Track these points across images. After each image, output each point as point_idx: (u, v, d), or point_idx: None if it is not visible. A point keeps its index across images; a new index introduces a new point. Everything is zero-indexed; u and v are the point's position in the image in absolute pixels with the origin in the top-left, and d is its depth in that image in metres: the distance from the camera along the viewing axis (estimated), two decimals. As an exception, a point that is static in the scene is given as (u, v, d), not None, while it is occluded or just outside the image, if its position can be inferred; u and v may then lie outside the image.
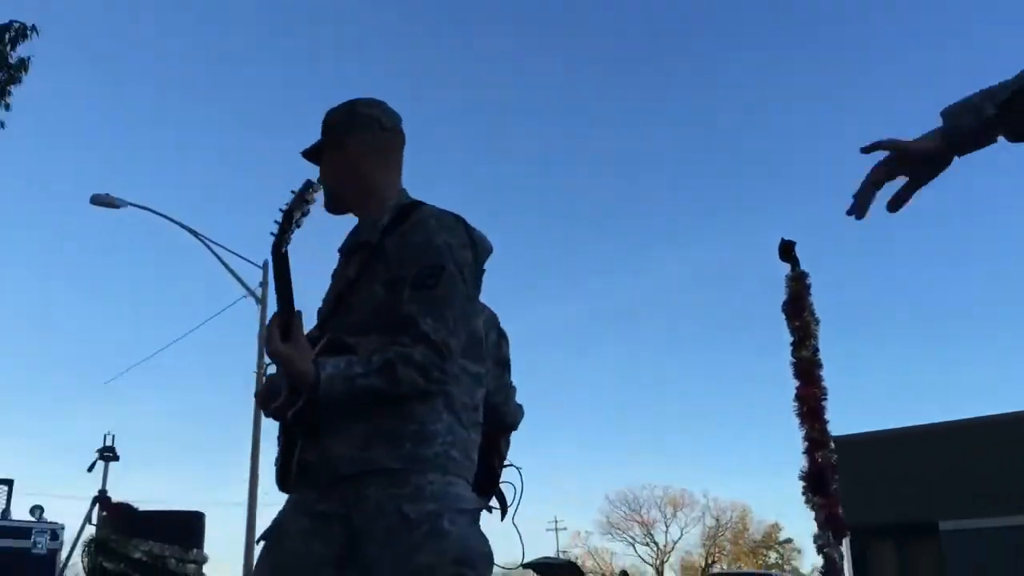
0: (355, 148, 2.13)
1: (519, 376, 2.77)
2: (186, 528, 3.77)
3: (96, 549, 3.81)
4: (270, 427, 2.02)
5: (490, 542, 1.87)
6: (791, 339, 3.46)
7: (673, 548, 47.52)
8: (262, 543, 1.96)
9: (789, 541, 46.94)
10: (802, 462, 3.46)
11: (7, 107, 7.58)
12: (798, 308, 3.39)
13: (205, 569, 3.77)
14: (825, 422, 3.45)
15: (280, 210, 1.91)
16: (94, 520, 4.03)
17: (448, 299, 1.88)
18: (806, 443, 3.44)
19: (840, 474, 13.28)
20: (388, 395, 1.80)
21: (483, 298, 2.08)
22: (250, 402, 16.91)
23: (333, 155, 2.15)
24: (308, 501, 1.90)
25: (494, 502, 2.71)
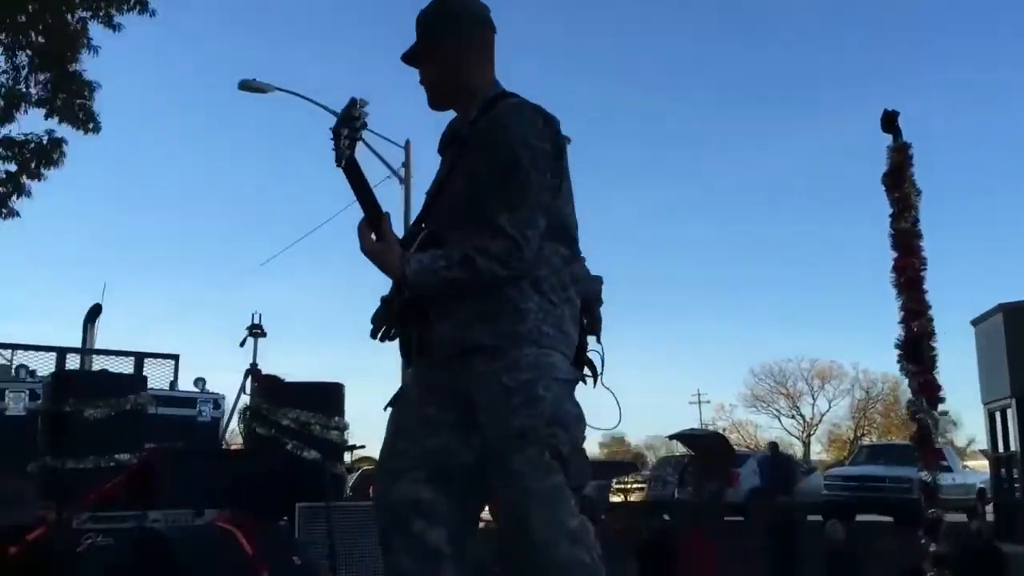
0: (447, 46, 2.20)
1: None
2: (328, 397, 4.02)
3: (250, 416, 4.15)
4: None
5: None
6: (890, 210, 3.29)
7: (820, 421, 46.74)
8: (389, 409, 2.18)
9: (945, 414, 45.30)
10: (898, 331, 3.34)
11: None
12: (898, 179, 3.19)
13: (348, 436, 4.05)
14: (923, 292, 3.28)
15: (329, 129, 2.04)
16: (247, 390, 4.37)
17: (522, 192, 1.99)
18: (902, 313, 3.29)
19: (1009, 339, 12.69)
20: (471, 284, 1.98)
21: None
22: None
23: (428, 55, 2.22)
24: (425, 374, 2.12)
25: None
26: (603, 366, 2.79)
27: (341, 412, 4.13)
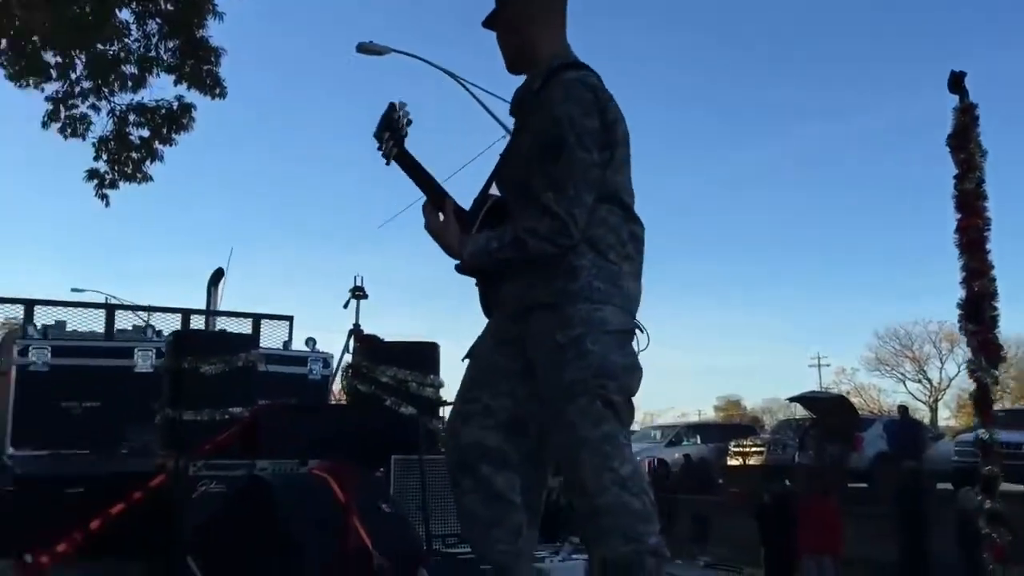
0: (515, 11, 2.36)
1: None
2: (424, 356, 4.23)
3: (351, 374, 4.41)
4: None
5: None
6: (955, 171, 3.20)
7: (948, 385, 44.60)
8: (467, 360, 2.44)
9: (1006, 372, 42.34)
10: (960, 291, 3.25)
11: None
12: (963, 140, 3.09)
13: (442, 393, 4.24)
14: (986, 252, 3.18)
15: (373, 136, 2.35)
16: (350, 350, 4.63)
17: (568, 171, 2.13)
18: (964, 273, 3.20)
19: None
20: (523, 262, 2.18)
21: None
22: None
23: (499, 21, 2.39)
24: (497, 328, 2.36)
25: None
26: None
27: (436, 370, 4.33)
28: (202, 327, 6.73)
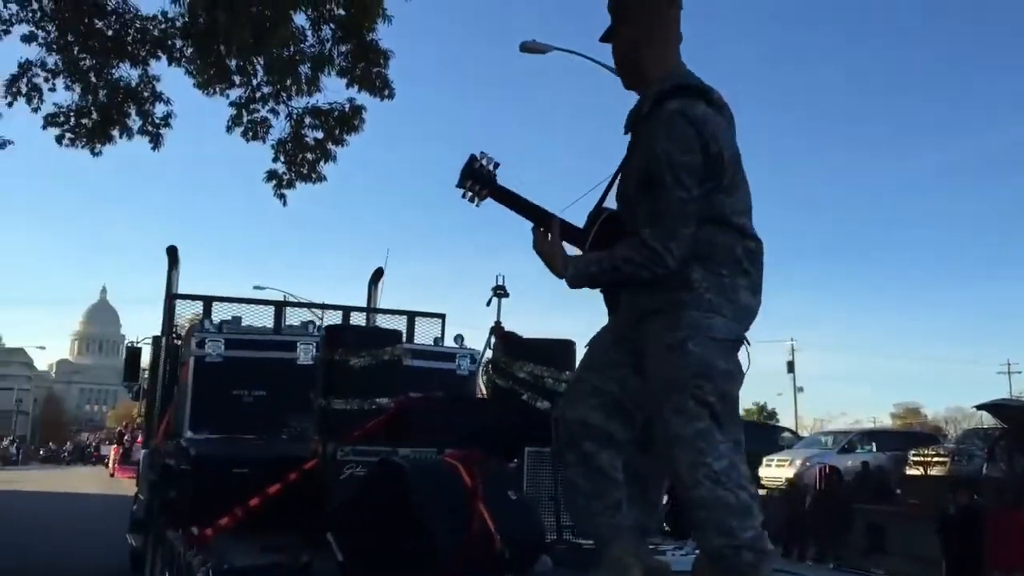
0: (627, 30, 2.54)
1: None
2: (560, 354, 4.39)
3: (491, 369, 4.62)
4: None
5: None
6: None
7: None
8: (585, 348, 2.70)
9: None
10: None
11: None
12: None
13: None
14: None
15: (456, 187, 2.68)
16: (491, 346, 4.85)
17: (666, 207, 2.30)
18: None
19: None
20: (621, 282, 2.44)
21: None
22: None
23: (614, 39, 2.56)
24: (615, 327, 2.61)
25: None
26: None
27: (572, 367, 4.46)
28: (363, 323, 7.19)
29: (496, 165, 2.64)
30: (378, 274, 7.89)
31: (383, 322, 7.14)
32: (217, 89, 9.13)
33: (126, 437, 29.13)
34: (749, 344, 2.40)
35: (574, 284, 2.46)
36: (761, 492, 17.59)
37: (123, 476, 24.07)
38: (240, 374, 5.56)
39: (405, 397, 4.33)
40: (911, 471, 16.65)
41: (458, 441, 3.76)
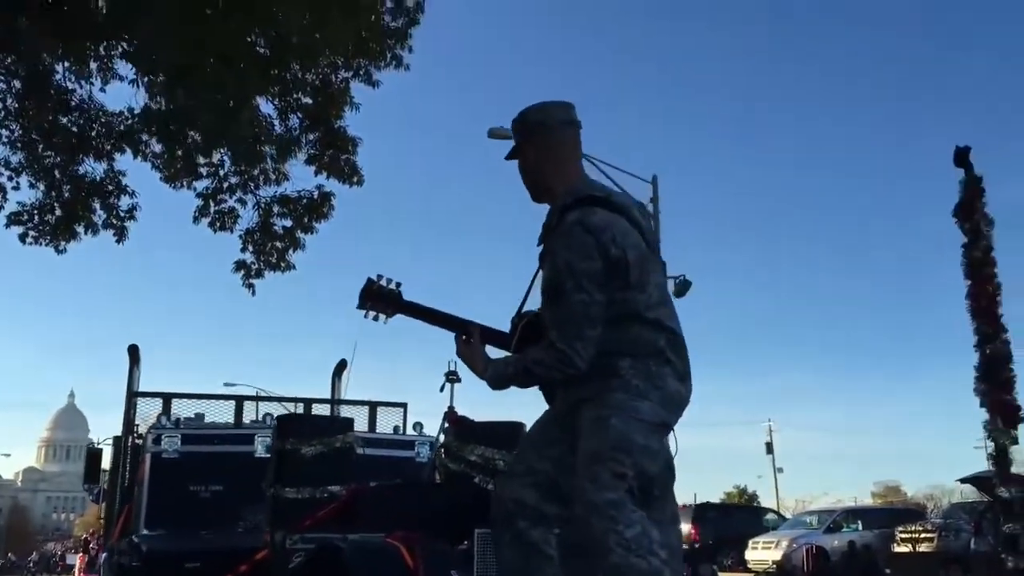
0: (530, 153, 2.79)
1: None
2: (510, 435, 4.52)
3: (444, 454, 4.76)
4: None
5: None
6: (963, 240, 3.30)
7: None
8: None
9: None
10: (975, 356, 3.30)
11: (410, 49, 8.54)
12: (969, 211, 3.21)
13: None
14: (998, 316, 3.23)
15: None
16: (444, 431, 4.99)
17: (568, 313, 2.51)
18: (976, 337, 3.26)
19: None
20: (534, 383, 2.69)
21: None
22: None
23: (518, 158, 2.81)
24: (557, 408, 2.77)
25: None
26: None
27: (520, 447, 4.63)
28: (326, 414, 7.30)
29: (398, 284, 2.85)
30: (341, 366, 8.03)
31: (346, 413, 7.24)
32: (184, 183, 9.28)
33: (91, 544, 28.49)
34: (674, 434, 2.58)
35: (494, 385, 2.68)
36: (748, 576, 17.44)
37: (89, 586, 23.49)
38: (197, 469, 5.65)
39: (356, 485, 4.44)
40: (899, 548, 16.57)
41: (410, 526, 3.87)
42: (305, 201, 9.32)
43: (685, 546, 18.74)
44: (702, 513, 20.20)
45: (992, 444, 3.20)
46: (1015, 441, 3.20)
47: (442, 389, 5.64)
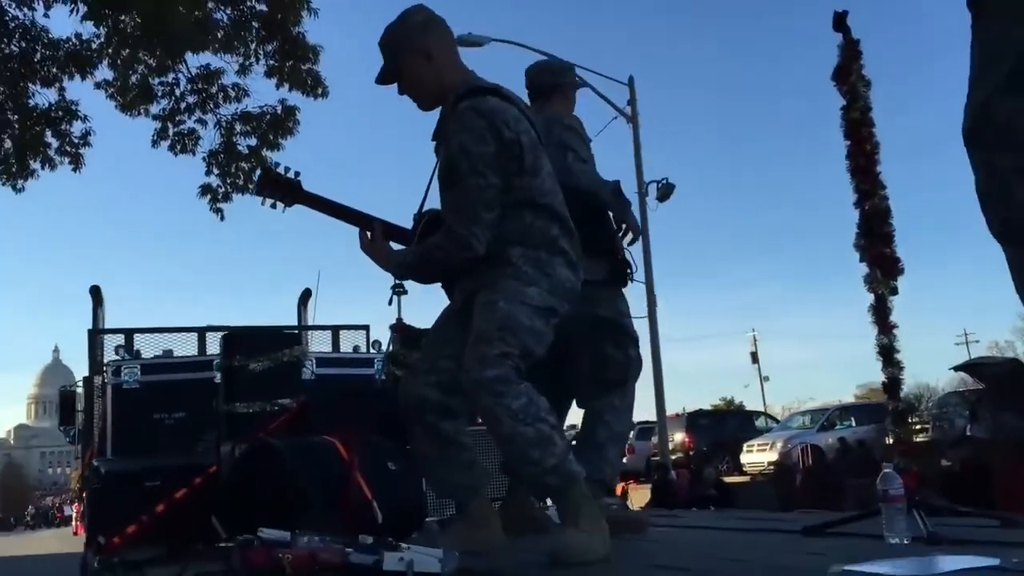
0: (402, 66, 2.90)
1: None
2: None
3: (390, 361, 5.01)
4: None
5: None
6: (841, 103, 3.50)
7: None
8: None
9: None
10: (855, 215, 3.53)
11: None
12: (846, 74, 3.39)
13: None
14: (876, 174, 3.44)
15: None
16: (392, 341, 5.24)
17: (463, 195, 2.66)
18: (855, 195, 3.48)
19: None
20: (435, 268, 2.85)
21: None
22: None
23: (392, 76, 2.91)
24: (453, 305, 2.99)
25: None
26: (634, 265, 3.52)
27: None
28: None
29: (297, 173, 2.97)
30: (306, 295, 8.22)
31: (311, 340, 7.48)
32: (141, 110, 9.19)
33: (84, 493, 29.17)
34: (557, 316, 2.78)
35: (398, 275, 2.92)
36: (745, 478, 18.02)
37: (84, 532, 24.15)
38: (158, 398, 5.89)
39: (306, 395, 4.70)
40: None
41: (358, 429, 4.13)
42: (268, 117, 9.18)
43: (679, 453, 19.31)
44: (694, 420, 20.72)
45: (872, 296, 3.42)
46: (894, 291, 3.40)
47: (391, 302, 5.86)
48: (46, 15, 8.83)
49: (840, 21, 3.37)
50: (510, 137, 2.69)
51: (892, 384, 3.67)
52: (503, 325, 2.62)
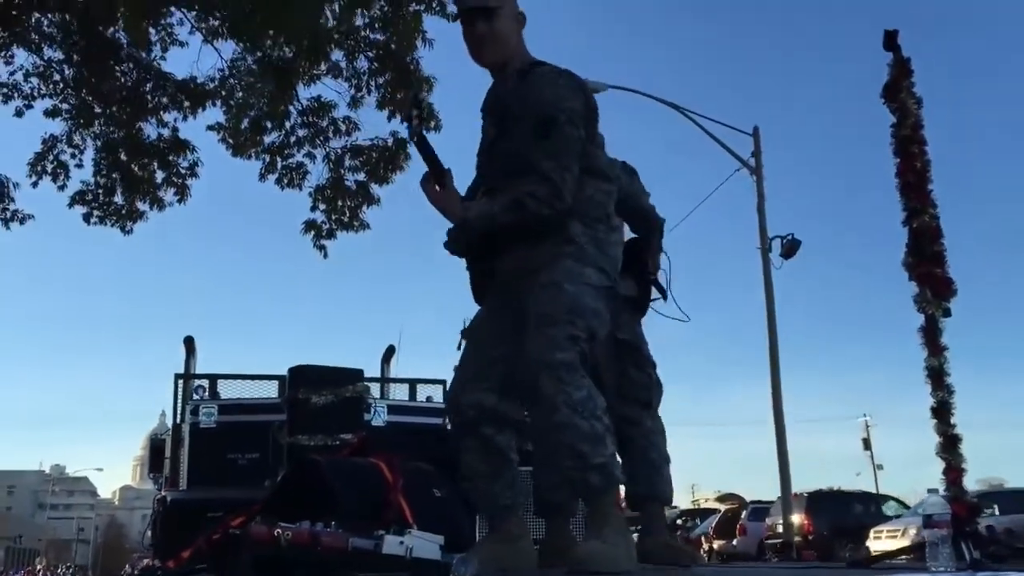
0: (507, 10, 2.99)
1: None
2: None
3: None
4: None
5: None
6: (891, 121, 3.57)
7: None
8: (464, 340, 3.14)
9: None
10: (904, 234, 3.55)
11: None
12: (895, 92, 3.47)
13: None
14: (927, 192, 3.47)
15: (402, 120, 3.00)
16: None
17: (560, 143, 2.74)
18: (904, 214, 3.50)
19: None
20: (522, 223, 2.72)
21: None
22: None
23: (492, 13, 2.96)
24: (490, 302, 2.96)
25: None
26: (669, 284, 3.66)
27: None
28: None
29: (424, 112, 2.94)
30: (389, 351, 8.51)
31: (391, 392, 7.81)
32: (252, 154, 9.30)
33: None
34: (618, 292, 2.86)
35: (477, 224, 2.78)
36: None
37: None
38: (234, 438, 6.27)
39: (367, 431, 4.98)
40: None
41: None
42: (379, 151, 9.11)
43: (798, 538, 18.70)
44: (815, 502, 20.01)
45: (923, 317, 3.44)
46: (947, 313, 3.40)
47: (459, 347, 6.14)
48: (163, 58, 9.27)
49: (891, 40, 3.50)
50: (592, 103, 2.86)
51: (942, 408, 3.69)
52: (571, 308, 2.66)
